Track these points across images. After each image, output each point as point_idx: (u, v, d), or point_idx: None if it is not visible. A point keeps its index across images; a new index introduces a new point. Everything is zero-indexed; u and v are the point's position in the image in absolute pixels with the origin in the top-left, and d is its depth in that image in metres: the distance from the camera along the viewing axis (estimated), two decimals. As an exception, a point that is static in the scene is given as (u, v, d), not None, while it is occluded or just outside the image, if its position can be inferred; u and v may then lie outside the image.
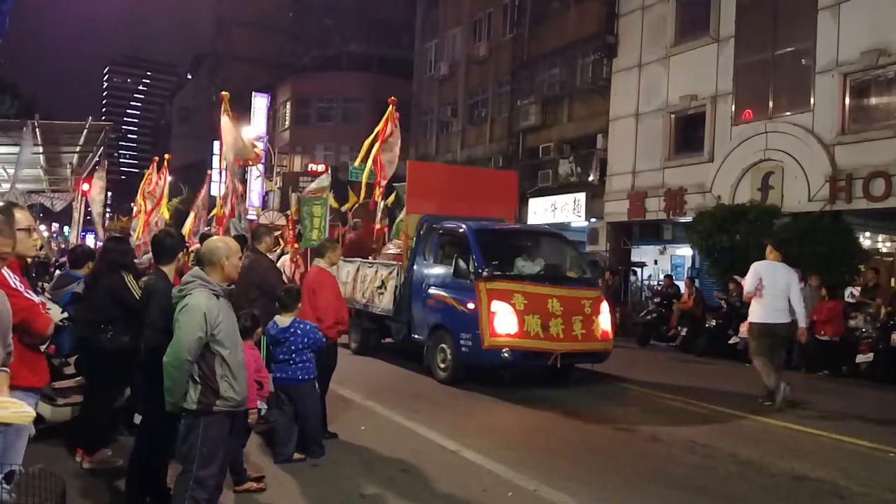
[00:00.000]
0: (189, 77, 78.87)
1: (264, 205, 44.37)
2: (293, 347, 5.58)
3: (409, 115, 32.43)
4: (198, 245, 9.27)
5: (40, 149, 13.05)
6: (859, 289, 12.78)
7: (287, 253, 13.20)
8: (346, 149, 40.07)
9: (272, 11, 52.21)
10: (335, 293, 6.76)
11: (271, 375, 5.68)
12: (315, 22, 51.65)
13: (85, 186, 16.92)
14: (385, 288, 10.78)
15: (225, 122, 10.34)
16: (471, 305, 9.01)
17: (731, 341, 13.49)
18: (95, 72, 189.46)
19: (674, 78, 18.46)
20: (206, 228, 14.40)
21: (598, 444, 6.77)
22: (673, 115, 18.54)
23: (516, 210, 13.79)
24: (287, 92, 44.14)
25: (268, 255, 7.41)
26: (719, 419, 8.06)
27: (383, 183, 12.30)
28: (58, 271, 10.94)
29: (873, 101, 14.53)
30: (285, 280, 10.83)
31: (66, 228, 39.67)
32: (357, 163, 13.55)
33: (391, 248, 11.77)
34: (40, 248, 13.56)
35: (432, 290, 9.89)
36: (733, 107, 16.84)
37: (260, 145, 43.77)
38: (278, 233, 13.51)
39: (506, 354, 8.78)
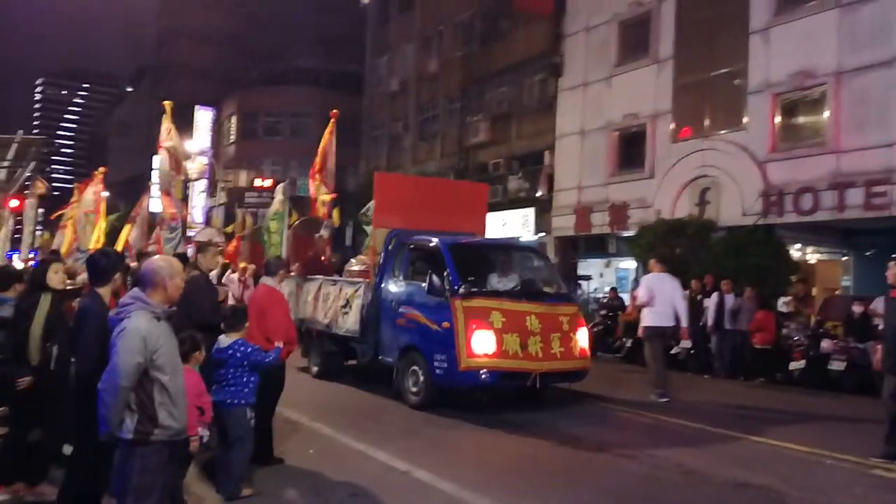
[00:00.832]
0: (130, 89, 77.20)
1: (207, 221, 43.73)
2: (231, 370, 5.26)
3: (360, 130, 32.63)
4: (136, 264, 9.02)
5: None
6: (790, 298, 13.48)
7: (234, 271, 13.05)
8: (294, 164, 39.81)
9: (219, 24, 51.63)
10: (285, 312, 6.56)
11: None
12: (263, 35, 51.32)
13: (13, 203, 16.31)
14: (350, 307, 10.09)
15: (171, 132, 10.34)
16: (446, 324, 8.47)
17: (672, 351, 14.02)
18: (28, 83, 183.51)
19: (616, 97, 19.17)
20: (152, 246, 13.93)
21: (547, 460, 6.82)
22: (616, 133, 19.23)
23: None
24: (233, 106, 43.63)
25: (209, 273, 7.09)
26: (666, 429, 8.35)
27: (326, 197, 12.27)
28: None
29: (801, 120, 15.42)
30: (233, 299, 10.79)
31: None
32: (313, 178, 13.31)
33: (355, 265, 11.29)
34: None
35: (403, 309, 9.30)
36: (672, 125, 17.61)
37: (203, 160, 43.45)
38: (220, 249, 13.36)
39: (484, 376, 8.27)
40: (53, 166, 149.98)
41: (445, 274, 8.72)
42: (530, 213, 21.61)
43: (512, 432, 7.77)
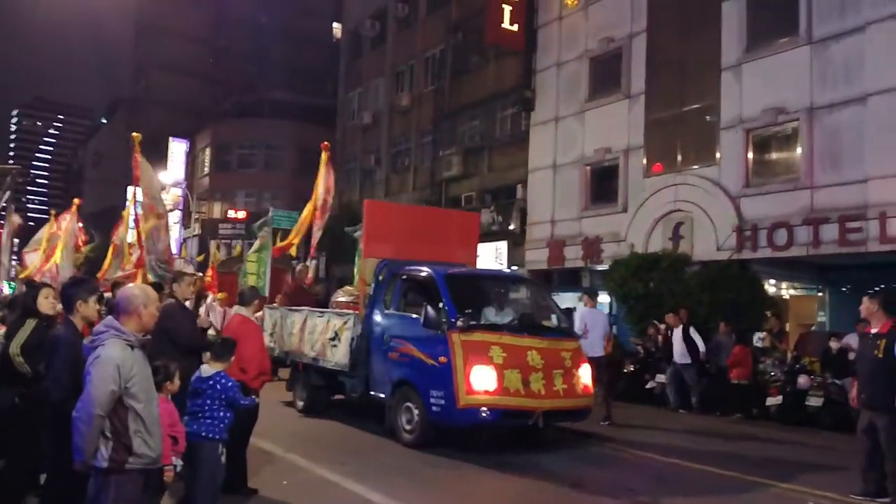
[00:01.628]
0: (104, 121, 76.75)
1: (180, 252, 43.15)
2: (208, 401, 5.14)
3: (333, 162, 32.42)
4: (110, 294, 8.97)
5: None
6: (766, 334, 13.29)
7: (214, 300, 13.07)
8: (268, 195, 39.71)
9: (193, 56, 51.68)
10: (259, 343, 6.58)
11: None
12: (237, 68, 51.41)
13: None
14: (339, 340, 9.67)
15: (142, 163, 10.14)
16: (443, 359, 8.07)
17: (647, 385, 13.76)
18: (3, 115, 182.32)
19: (589, 131, 19.10)
20: (123, 275, 13.82)
21: (517, 490, 6.76)
22: (588, 167, 19.12)
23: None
24: (207, 137, 43.51)
25: (185, 301, 7.12)
26: (642, 463, 8.28)
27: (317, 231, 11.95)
28: None
29: (774, 155, 15.38)
30: (215, 328, 10.60)
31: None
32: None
33: (342, 296, 10.97)
34: None
35: (395, 342, 8.90)
36: (645, 160, 17.53)
37: (177, 191, 43.05)
38: (195, 279, 13.23)
39: (484, 414, 7.82)
40: (29, 196, 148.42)
41: (441, 306, 8.34)
42: (503, 246, 21.38)
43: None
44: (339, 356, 9.60)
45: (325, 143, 12.33)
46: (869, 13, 13.39)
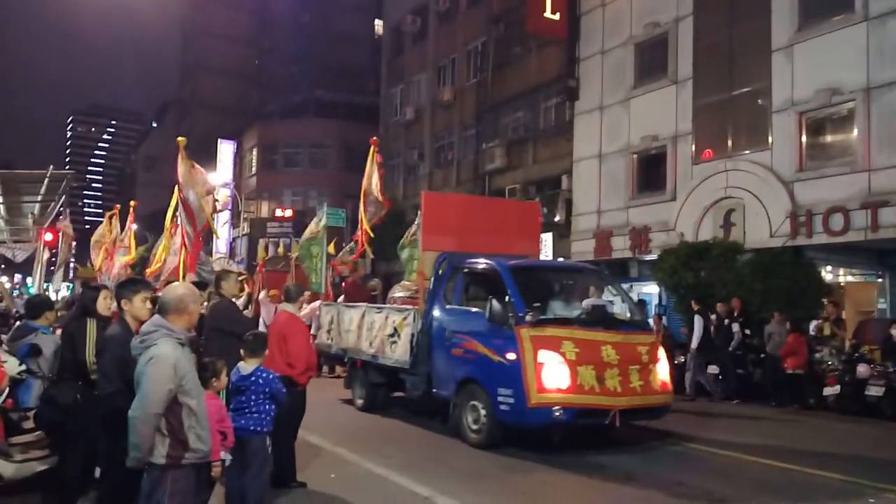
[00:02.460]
0: (154, 125, 78.67)
1: (231, 252, 43.97)
2: (252, 396, 5.24)
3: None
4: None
5: (0, 198, 12.86)
6: (823, 321, 12.88)
7: (266, 296, 13.32)
8: (314, 193, 40.11)
9: (238, 59, 52.63)
10: (306, 339, 6.67)
11: None
12: (281, 69, 52.08)
13: (48, 236, 16.51)
14: (398, 336, 9.41)
15: (183, 170, 10.18)
16: (510, 356, 7.70)
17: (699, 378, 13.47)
18: (60, 121, 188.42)
19: (635, 119, 18.78)
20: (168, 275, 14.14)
21: (550, 480, 6.64)
22: (635, 156, 18.81)
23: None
24: (254, 138, 44.17)
25: (233, 300, 7.27)
26: (691, 455, 8.01)
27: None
28: (18, 323, 10.63)
29: (829, 138, 14.90)
30: (265, 323, 10.77)
31: (28, 279, 38.84)
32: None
33: (398, 291, 10.88)
34: (0, 300, 13.22)
35: (459, 338, 8.56)
36: (693, 146, 17.15)
37: (226, 192, 43.82)
38: (242, 277, 13.46)
39: (557, 413, 7.40)
40: (85, 200, 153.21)
41: (507, 299, 7.99)
42: (548, 238, 21.16)
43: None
44: (399, 353, 9.38)
45: (374, 138, 12.35)
46: (929, -14, 12.88)
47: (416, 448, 8.09)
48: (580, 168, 20.46)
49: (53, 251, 21.15)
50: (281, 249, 25.99)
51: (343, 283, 13.79)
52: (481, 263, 8.98)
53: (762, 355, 12.86)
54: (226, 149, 45.08)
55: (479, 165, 25.14)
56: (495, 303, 7.93)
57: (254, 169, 44.18)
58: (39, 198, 13.10)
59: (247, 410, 5.19)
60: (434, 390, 8.99)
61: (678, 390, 12.91)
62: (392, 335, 9.54)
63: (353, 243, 13.75)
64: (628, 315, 9.06)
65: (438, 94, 28.43)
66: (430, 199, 10.87)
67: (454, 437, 8.39)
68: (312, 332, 12.64)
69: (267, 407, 5.24)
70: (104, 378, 4.43)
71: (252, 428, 5.16)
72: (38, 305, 6.21)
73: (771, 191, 15.06)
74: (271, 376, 5.32)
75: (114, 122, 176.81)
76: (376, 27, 41.13)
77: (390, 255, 24.75)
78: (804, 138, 14.91)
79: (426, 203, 10.24)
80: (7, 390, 5.45)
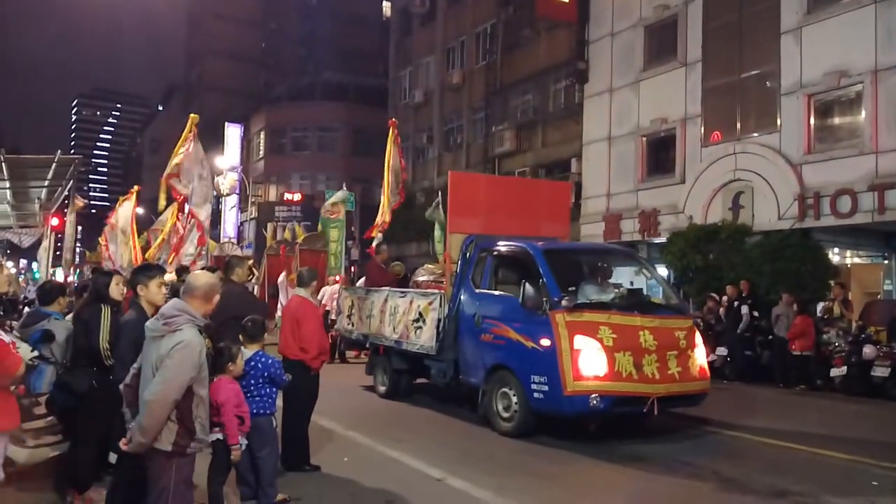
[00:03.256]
0: (160, 108, 78.59)
1: (239, 235, 44.20)
2: (252, 381, 5.27)
3: (385, 142, 32.70)
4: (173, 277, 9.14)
5: (7, 184, 12.71)
6: (829, 303, 13.04)
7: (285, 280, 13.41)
8: (322, 177, 40.11)
9: (245, 42, 52.45)
10: (318, 323, 6.68)
11: None
12: (288, 52, 51.90)
13: (54, 221, 16.38)
14: (424, 321, 9.08)
15: (194, 147, 10.22)
16: (545, 342, 7.44)
17: (708, 359, 13.67)
18: (64, 105, 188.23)
19: (644, 102, 18.86)
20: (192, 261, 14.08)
21: (578, 468, 6.72)
22: (644, 138, 18.91)
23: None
24: (261, 122, 44.15)
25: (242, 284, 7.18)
26: (698, 436, 8.12)
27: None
28: (27, 308, 10.54)
29: (837, 120, 14.97)
30: (283, 305, 10.90)
31: (34, 265, 38.84)
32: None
33: (422, 275, 10.49)
34: (8, 285, 13.31)
35: (488, 324, 8.27)
36: (702, 129, 17.24)
37: (234, 176, 43.94)
38: (250, 262, 13.55)
39: (594, 401, 7.14)
40: (91, 185, 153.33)
41: (541, 283, 7.71)
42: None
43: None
44: (424, 338, 9.09)
45: (393, 119, 12.31)
46: (939, -32, 12.90)
47: (436, 434, 8.05)
48: (590, 151, 20.56)
49: (60, 236, 21.21)
50: (287, 234, 26.22)
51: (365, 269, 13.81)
52: (512, 246, 8.71)
53: (769, 337, 13.05)
54: (233, 132, 45.13)
55: (489, 148, 25.27)
56: (529, 287, 7.66)
57: (261, 152, 44.20)
58: (46, 183, 12.97)
59: (249, 395, 5.21)
60: (461, 377, 8.78)
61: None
62: (417, 320, 9.26)
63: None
64: (665, 300, 8.90)
65: (447, 77, 28.49)
66: (457, 179, 10.28)
67: (481, 424, 8.19)
68: (333, 316, 12.65)
69: (268, 390, 5.31)
70: (121, 364, 4.41)
71: (256, 411, 5.20)
72: (51, 291, 6.12)
73: (779, 173, 15.18)
74: (269, 360, 5.35)
75: (119, 106, 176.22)
76: (384, 9, 40.95)
77: (404, 238, 24.98)
78: (812, 121, 14.99)
79: (453, 183, 9.68)
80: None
